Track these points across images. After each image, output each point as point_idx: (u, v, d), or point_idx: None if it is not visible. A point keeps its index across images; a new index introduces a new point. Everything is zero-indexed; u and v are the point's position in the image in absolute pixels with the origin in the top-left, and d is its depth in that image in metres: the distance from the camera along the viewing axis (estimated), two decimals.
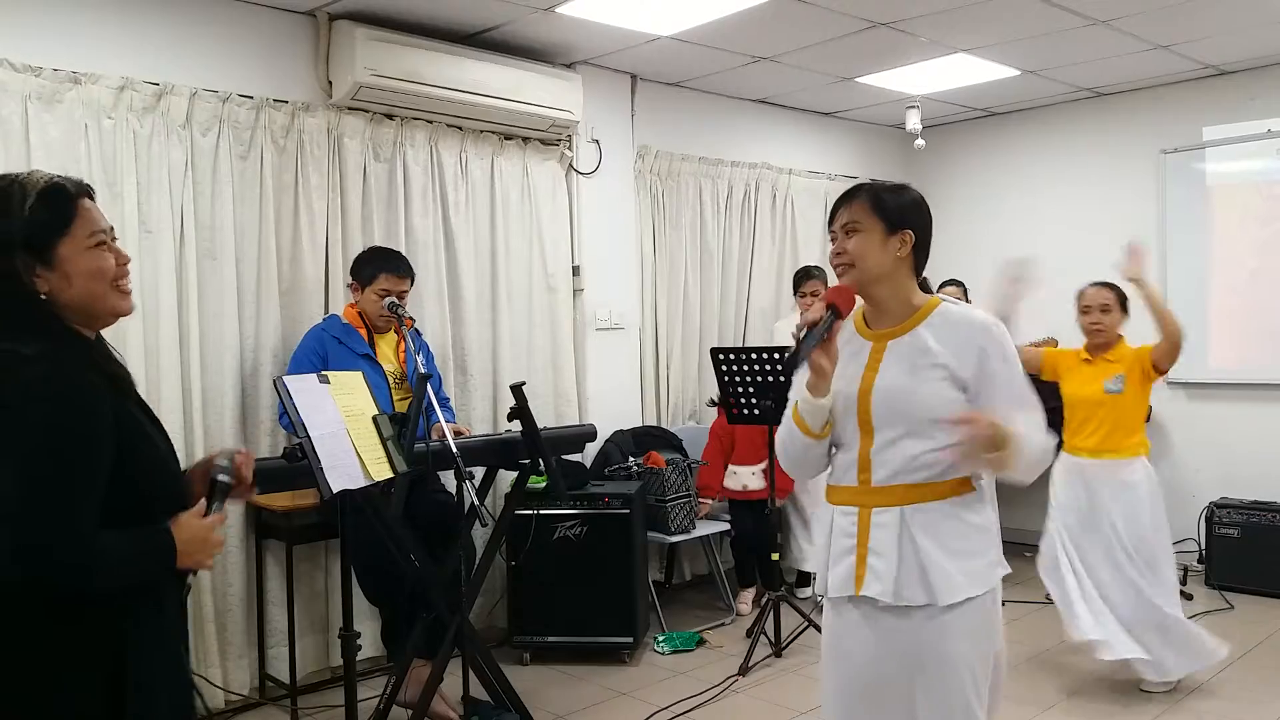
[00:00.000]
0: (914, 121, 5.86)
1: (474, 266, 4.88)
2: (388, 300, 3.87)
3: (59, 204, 1.68)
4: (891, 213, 2.18)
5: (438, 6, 4.32)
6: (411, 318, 3.93)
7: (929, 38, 4.95)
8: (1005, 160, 6.78)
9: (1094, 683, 4.20)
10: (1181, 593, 5.31)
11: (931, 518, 2.10)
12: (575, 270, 5.29)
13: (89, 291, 1.70)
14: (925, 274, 2.32)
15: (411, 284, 4.07)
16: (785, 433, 2.28)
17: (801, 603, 5.16)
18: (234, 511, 4.06)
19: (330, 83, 4.37)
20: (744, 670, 4.38)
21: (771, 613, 4.60)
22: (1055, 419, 4.07)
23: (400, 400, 3.93)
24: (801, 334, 2.09)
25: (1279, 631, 4.80)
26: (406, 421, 3.21)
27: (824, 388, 2.16)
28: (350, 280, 4.07)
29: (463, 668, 3.67)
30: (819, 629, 2.49)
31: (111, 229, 1.76)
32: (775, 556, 4.76)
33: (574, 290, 5.30)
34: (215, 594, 4.03)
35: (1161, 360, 4.06)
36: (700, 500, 5.26)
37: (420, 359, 3.53)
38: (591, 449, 5.04)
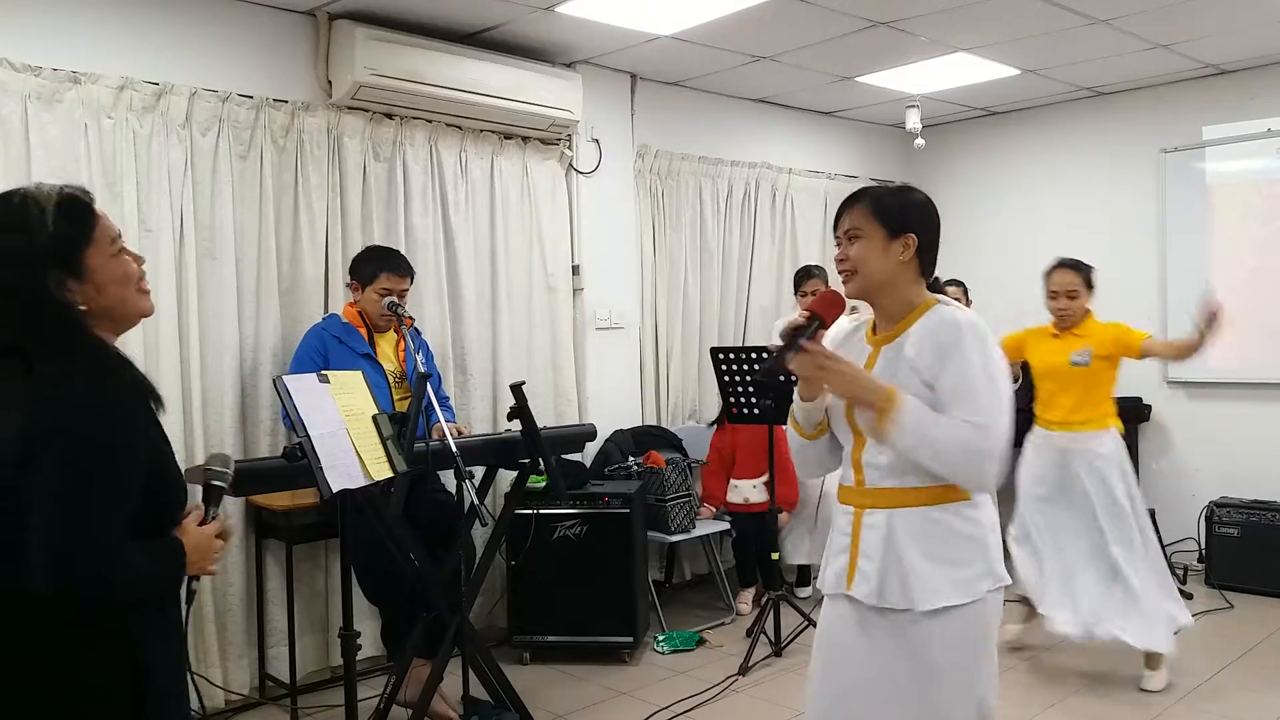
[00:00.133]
0: (914, 121, 5.86)
1: (474, 266, 4.88)
2: (388, 300, 3.87)
3: (80, 215, 1.70)
4: (893, 217, 2.16)
5: (437, 6, 4.32)
6: (411, 317, 3.92)
7: (929, 37, 4.95)
8: (1005, 160, 6.78)
9: (1094, 683, 4.20)
10: (1181, 592, 5.33)
11: (916, 522, 2.10)
12: (575, 270, 5.29)
13: (119, 297, 1.72)
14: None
15: (411, 283, 4.07)
16: (788, 430, 2.36)
17: (801, 602, 5.16)
18: (234, 511, 4.06)
19: (330, 82, 4.37)
20: (744, 670, 4.38)
21: (771, 612, 4.60)
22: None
23: (400, 400, 3.93)
24: (784, 341, 2.12)
25: (1279, 631, 4.79)
26: (406, 421, 3.21)
27: (811, 392, 2.19)
28: (350, 280, 4.06)
29: (463, 667, 3.67)
30: None
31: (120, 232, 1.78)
32: (775, 556, 4.76)
33: (574, 290, 5.30)
34: (215, 594, 4.03)
35: (1154, 357, 4.18)
36: (704, 506, 5.27)
37: (420, 358, 3.53)
38: (591, 448, 5.04)
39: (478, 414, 4.85)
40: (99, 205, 1.76)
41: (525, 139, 5.08)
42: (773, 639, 4.59)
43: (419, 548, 3.45)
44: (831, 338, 2.29)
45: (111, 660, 1.64)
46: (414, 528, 3.54)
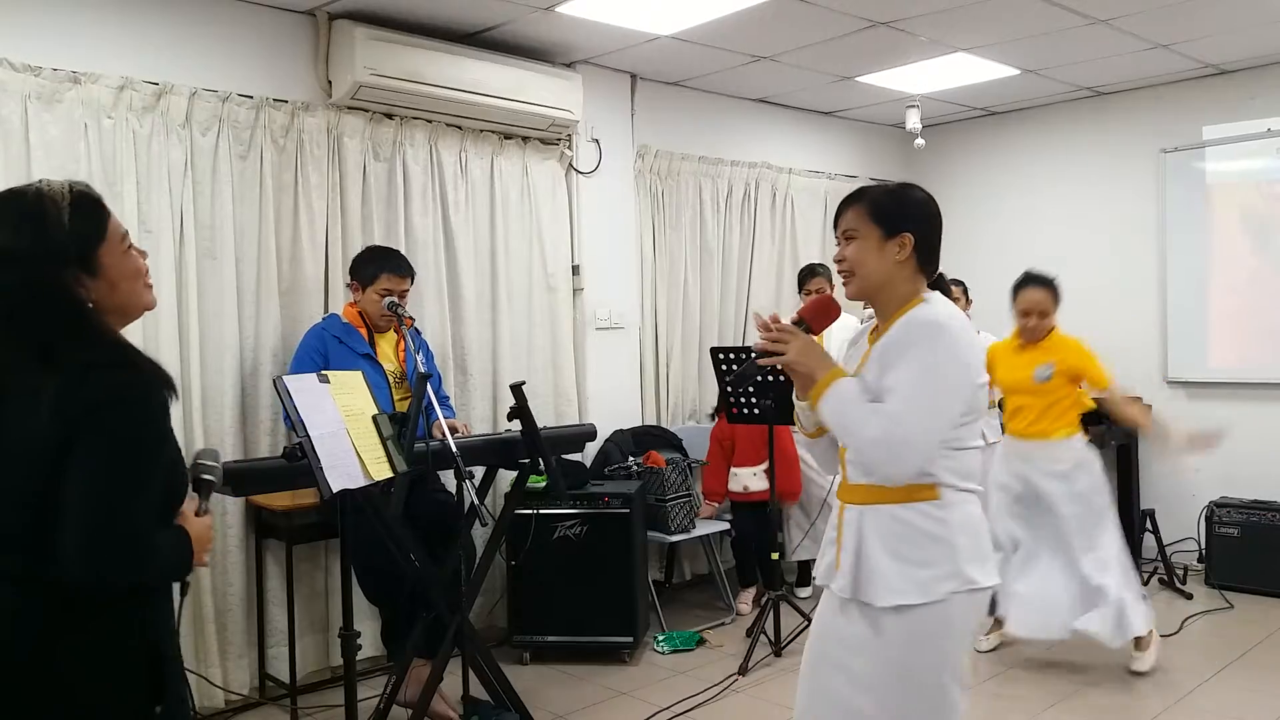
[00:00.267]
0: (914, 121, 5.86)
1: (474, 266, 4.88)
2: (388, 300, 3.87)
3: (94, 212, 1.74)
4: (888, 218, 2.16)
5: (437, 6, 4.32)
6: (411, 317, 3.93)
7: (929, 37, 4.95)
8: (1005, 159, 6.78)
9: (1093, 683, 4.20)
10: (1181, 592, 5.37)
11: (882, 520, 2.11)
12: (575, 269, 5.29)
13: (130, 292, 1.78)
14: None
15: (412, 283, 4.07)
16: (794, 431, 2.44)
17: (802, 602, 5.16)
18: (234, 511, 4.06)
19: (330, 82, 4.37)
20: (744, 670, 4.38)
21: (771, 612, 4.60)
22: None
23: (400, 400, 3.93)
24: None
25: (1279, 631, 4.80)
26: (406, 421, 3.21)
27: (804, 388, 2.21)
28: (350, 280, 4.06)
29: (462, 667, 3.67)
30: None
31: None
32: (775, 556, 4.76)
33: (574, 290, 5.30)
34: (215, 593, 4.03)
35: (1102, 401, 4.27)
36: (706, 503, 5.27)
37: (420, 358, 3.53)
38: (591, 448, 5.04)
39: (478, 414, 4.85)
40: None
41: (525, 139, 5.08)
42: (773, 639, 4.59)
43: (419, 548, 3.45)
44: (840, 338, 2.31)
45: (134, 643, 1.70)
46: (414, 528, 3.54)
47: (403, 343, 4.00)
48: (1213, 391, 5.94)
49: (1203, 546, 5.69)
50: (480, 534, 4.14)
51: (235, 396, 4.12)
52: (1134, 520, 5.84)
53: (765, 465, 4.91)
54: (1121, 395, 4.23)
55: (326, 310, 4.32)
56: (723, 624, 5.09)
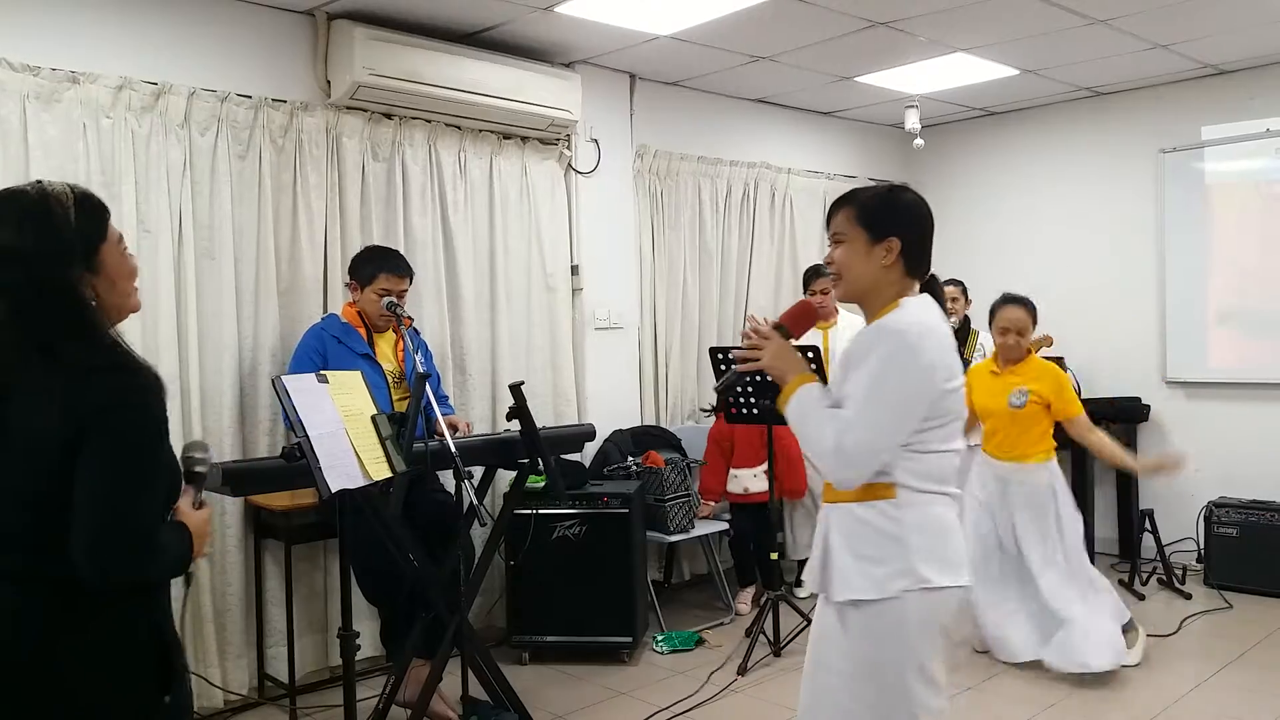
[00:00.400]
0: (913, 121, 5.86)
1: (473, 266, 4.88)
2: (387, 300, 3.87)
3: (97, 212, 1.77)
4: (875, 222, 2.18)
5: (436, 6, 4.31)
6: (410, 317, 3.92)
7: (928, 37, 4.95)
8: (1004, 160, 6.78)
9: (1092, 683, 4.20)
10: (1180, 592, 5.38)
11: (843, 517, 2.17)
12: (574, 270, 5.29)
13: (126, 292, 1.81)
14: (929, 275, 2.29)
15: (410, 283, 4.06)
16: None
17: (801, 602, 5.16)
18: (233, 511, 4.06)
19: (329, 82, 4.36)
20: (743, 670, 4.38)
21: (770, 612, 4.60)
22: None
23: (399, 400, 3.93)
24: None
25: (1278, 631, 4.80)
26: (405, 421, 3.21)
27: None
28: (349, 280, 4.06)
29: (462, 667, 3.67)
30: None
31: None
32: (774, 556, 4.76)
33: (573, 290, 5.30)
34: (214, 593, 4.03)
35: (1068, 430, 4.30)
36: (704, 503, 5.27)
37: (419, 358, 3.53)
38: (590, 449, 5.04)
39: (477, 414, 4.85)
40: None
41: (524, 139, 5.08)
42: (772, 639, 4.59)
43: (418, 548, 3.45)
44: (847, 338, 2.34)
45: (140, 637, 1.74)
46: (413, 528, 3.54)
47: (401, 342, 3.99)
48: (1211, 391, 5.95)
49: (1201, 546, 5.69)
50: (479, 534, 4.14)
51: (234, 396, 4.11)
52: (1133, 520, 5.85)
53: (765, 466, 4.91)
54: (1087, 426, 4.27)
55: (325, 310, 4.32)
56: (722, 624, 5.09)
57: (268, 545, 4.19)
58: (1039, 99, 6.37)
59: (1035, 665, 4.39)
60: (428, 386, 3.38)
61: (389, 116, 4.56)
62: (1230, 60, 5.59)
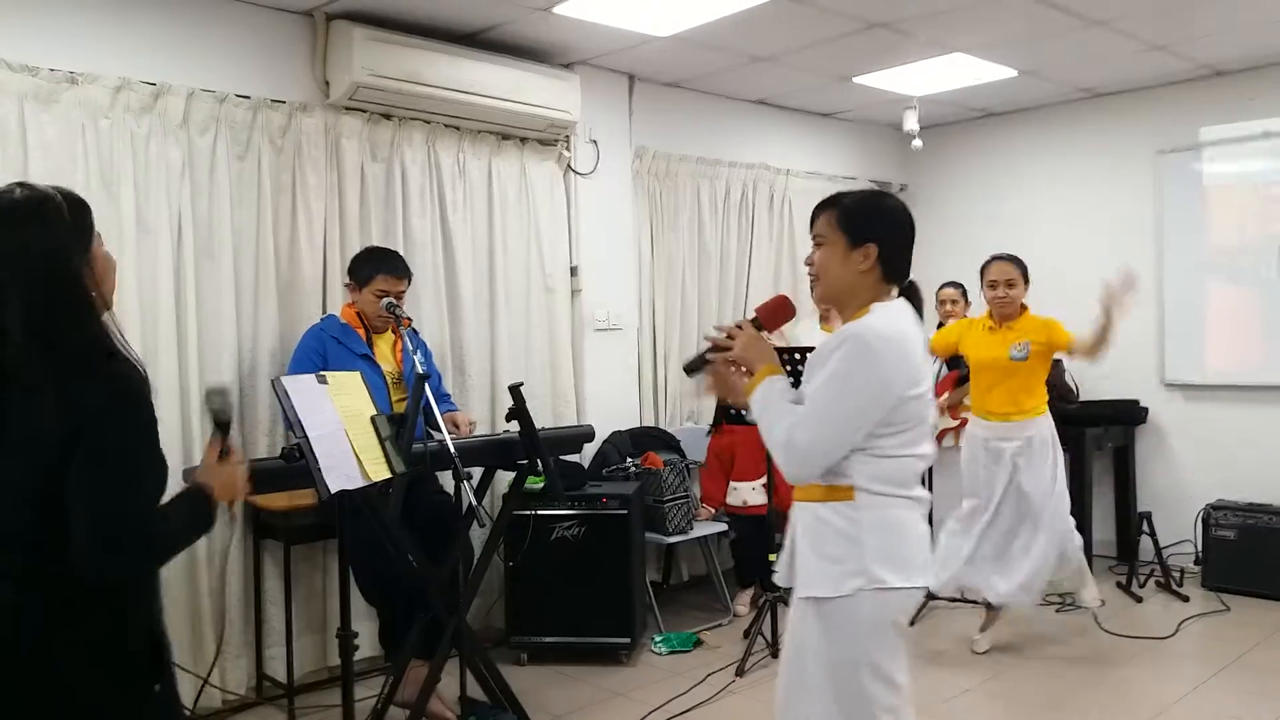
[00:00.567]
0: (911, 122, 5.86)
1: (472, 267, 4.88)
2: (385, 300, 3.87)
3: (84, 208, 1.81)
4: (855, 227, 2.21)
5: (435, 6, 4.31)
6: (409, 317, 3.92)
7: (927, 38, 4.96)
8: (1003, 161, 6.79)
9: (1091, 683, 4.21)
10: (1178, 595, 5.38)
11: (807, 517, 2.23)
12: (573, 271, 5.29)
13: (111, 286, 1.84)
14: (918, 278, 2.31)
15: (409, 284, 4.06)
16: None
17: None
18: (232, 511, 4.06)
19: (328, 83, 4.36)
20: (741, 671, 4.38)
21: (769, 613, 4.61)
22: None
23: (398, 400, 3.92)
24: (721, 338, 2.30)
25: (1276, 633, 4.80)
26: (404, 422, 3.20)
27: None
28: (347, 280, 4.06)
29: (460, 668, 3.67)
30: None
31: None
32: (773, 558, 4.75)
33: (572, 291, 5.30)
34: (213, 594, 4.03)
35: (1077, 356, 4.39)
36: (704, 507, 5.27)
37: (419, 357, 3.52)
38: (589, 450, 5.04)
39: (476, 415, 4.82)
40: (96, 201, 1.86)
41: (523, 140, 5.08)
42: (770, 640, 4.59)
43: (417, 548, 3.44)
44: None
45: (134, 630, 1.75)
46: (412, 528, 3.54)
47: (400, 343, 3.99)
48: (1209, 393, 5.95)
49: (1199, 549, 5.69)
50: (478, 535, 4.14)
51: (233, 397, 4.11)
52: (1131, 523, 5.85)
53: (765, 479, 4.91)
54: (1088, 336, 4.29)
55: (324, 311, 4.32)
56: (720, 625, 5.09)
57: (267, 546, 4.19)
58: (1038, 100, 6.38)
59: (1035, 666, 4.40)
60: (428, 387, 3.38)
61: (388, 117, 4.56)
62: (1228, 61, 5.59)
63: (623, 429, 5.37)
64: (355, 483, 2.86)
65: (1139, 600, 5.36)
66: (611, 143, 5.41)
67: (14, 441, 1.65)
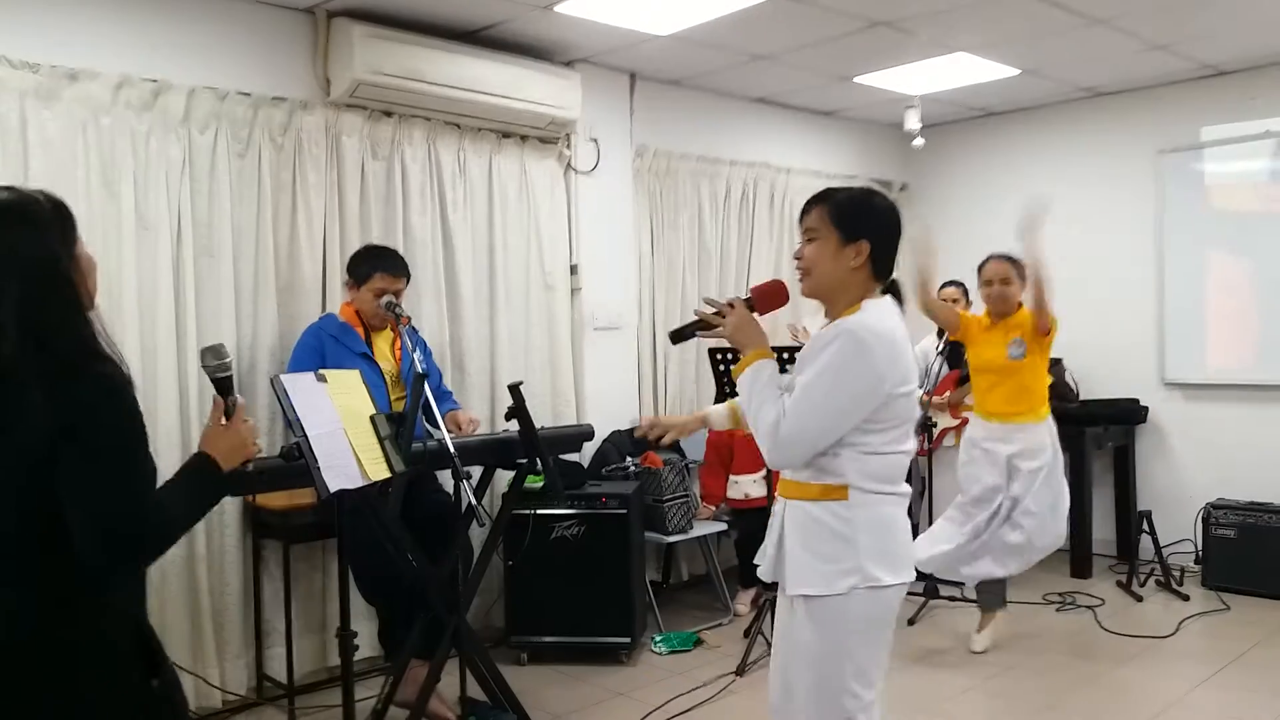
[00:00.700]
0: (913, 121, 5.85)
1: (472, 265, 4.87)
2: (384, 299, 3.86)
3: (67, 211, 1.81)
4: (848, 223, 2.25)
5: (436, 4, 4.31)
6: (408, 316, 3.91)
7: (928, 37, 4.95)
8: (1004, 160, 6.78)
9: (1091, 683, 4.21)
10: (1178, 594, 5.38)
11: (799, 515, 2.25)
12: (573, 269, 5.28)
13: (94, 284, 1.84)
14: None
15: (407, 283, 4.05)
16: None
17: None
18: (231, 510, 4.05)
19: (328, 80, 4.36)
20: (741, 670, 4.38)
21: (769, 613, 4.60)
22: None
23: (397, 399, 3.92)
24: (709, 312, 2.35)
25: (1276, 632, 4.80)
26: (404, 421, 3.20)
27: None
28: (346, 278, 4.05)
29: (460, 668, 3.66)
30: None
31: None
32: None
33: (572, 289, 5.29)
34: (212, 594, 4.02)
35: (1038, 320, 4.35)
36: (704, 505, 5.26)
37: (418, 355, 3.52)
38: (589, 449, 5.03)
39: (475, 413, 4.82)
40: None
41: (524, 138, 5.07)
42: (770, 639, 4.57)
43: (417, 548, 3.44)
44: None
45: (127, 627, 1.76)
46: (412, 528, 3.53)
47: (399, 341, 3.98)
48: (1210, 393, 5.95)
49: (1199, 548, 5.69)
50: (478, 534, 4.13)
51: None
52: (1131, 522, 5.85)
53: (765, 472, 4.91)
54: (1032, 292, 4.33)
55: (324, 309, 4.31)
56: (720, 624, 5.08)
57: (266, 545, 4.18)
58: (1039, 99, 6.37)
59: (1035, 665, 4.39)
60: (427, 385, 3.38)
61: (388, 115, 4.55)
62: (1229, 61, 5.59)
63: (622, 428, 5.37)
64: (355, 482, 2.86)
65: (1139, 599, 5.36)
66: (612, 141, 5.40)
67: (7, 440, 1.65)
